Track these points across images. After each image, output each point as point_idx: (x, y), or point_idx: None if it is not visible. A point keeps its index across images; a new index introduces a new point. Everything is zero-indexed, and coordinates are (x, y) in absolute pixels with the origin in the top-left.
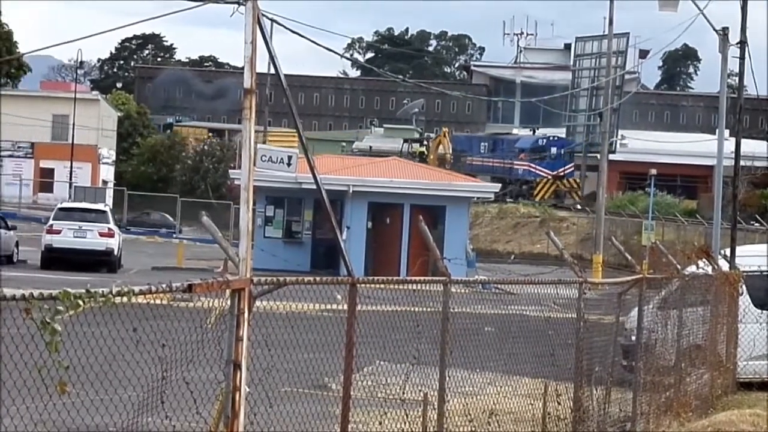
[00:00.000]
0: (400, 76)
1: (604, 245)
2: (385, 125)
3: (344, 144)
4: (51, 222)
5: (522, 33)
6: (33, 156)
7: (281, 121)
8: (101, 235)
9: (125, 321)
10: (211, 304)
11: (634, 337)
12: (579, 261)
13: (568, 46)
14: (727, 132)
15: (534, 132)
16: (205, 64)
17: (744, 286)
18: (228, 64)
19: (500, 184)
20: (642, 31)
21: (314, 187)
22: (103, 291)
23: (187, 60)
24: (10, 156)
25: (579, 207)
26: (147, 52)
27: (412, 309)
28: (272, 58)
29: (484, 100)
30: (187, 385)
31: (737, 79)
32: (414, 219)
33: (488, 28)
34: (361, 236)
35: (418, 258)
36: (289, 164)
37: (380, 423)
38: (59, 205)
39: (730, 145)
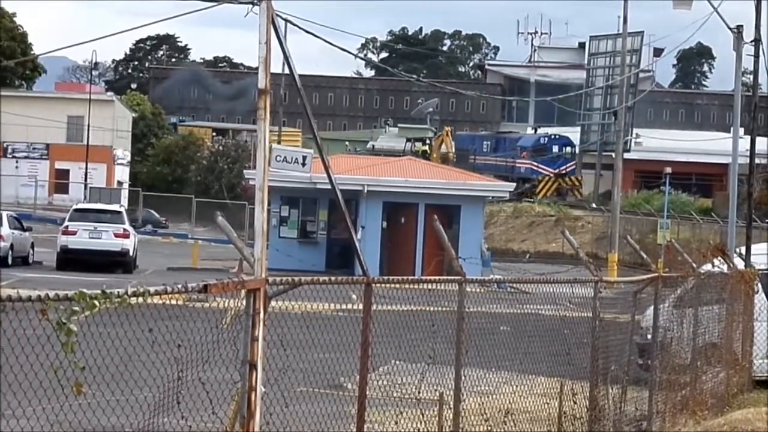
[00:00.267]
0: (415, 76)
1: (619, 244)
2: (399, 125)
3: (347, 143)
4: (66, 223)
5: (536, 32)
6: (48, 157)
7: (296, 122)
8: (116, 236)
9: (141, 322)
10: (226, 305)
11: (649, 336)
12: (594, 260)
13: (582, 45)
14: (741, 130)
15: (536, 130)
16: (220, 64)
17: (759, 284)
18: (242, 64)
19: (515, 184)
20: (656, 29)
21: (329, 187)
22: (118, 292)
23: (202, 60)
24: (26, 157)
25: (594, 206)
26: (161, 52)
27: (428, 308)
28: (286, 58)
29: (498, 100)
30: (202, 385)
31: (752, 77)
32: (429, 218)
33: (502, 28)
34: (375, 236)
35: (433, 257)
36: (303, 164)
37: (396, 422)
38: (74, 207)
39: (744, 143)
